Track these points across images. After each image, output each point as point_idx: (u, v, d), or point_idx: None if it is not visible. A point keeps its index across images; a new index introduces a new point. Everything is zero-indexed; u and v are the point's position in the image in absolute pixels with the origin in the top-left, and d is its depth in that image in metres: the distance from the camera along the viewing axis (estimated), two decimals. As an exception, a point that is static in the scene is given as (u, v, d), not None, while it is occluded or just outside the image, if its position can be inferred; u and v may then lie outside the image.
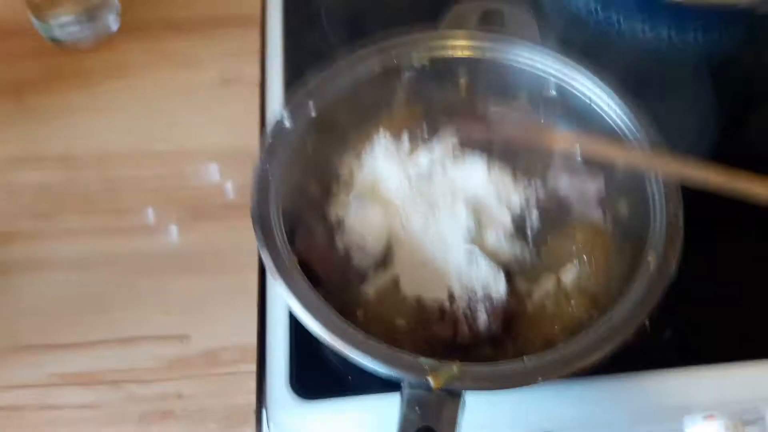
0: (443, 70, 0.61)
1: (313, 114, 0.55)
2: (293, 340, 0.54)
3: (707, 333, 0.55)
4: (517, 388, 0.45)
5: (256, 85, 0.69)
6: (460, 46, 0.61)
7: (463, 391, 0.43)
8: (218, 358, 0.53)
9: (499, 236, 0.53)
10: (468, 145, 0.57)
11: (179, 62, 0.70)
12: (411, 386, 0.44)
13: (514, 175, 0.57)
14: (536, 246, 0.54)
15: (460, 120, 0.56)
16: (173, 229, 0.59)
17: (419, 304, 0.51)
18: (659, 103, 0.57)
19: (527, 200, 0.55)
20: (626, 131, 0.55)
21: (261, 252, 0.48)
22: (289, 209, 0.51)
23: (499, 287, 0.51)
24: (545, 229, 0.55)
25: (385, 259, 0.53)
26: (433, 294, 0.51)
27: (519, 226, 0.55)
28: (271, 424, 0.51)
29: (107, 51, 0.70)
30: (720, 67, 0.71)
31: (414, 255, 0.53)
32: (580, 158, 0.56)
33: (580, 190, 0.56)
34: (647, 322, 0.46)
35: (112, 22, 0.71)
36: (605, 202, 0.56)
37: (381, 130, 0.58)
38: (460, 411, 0.43)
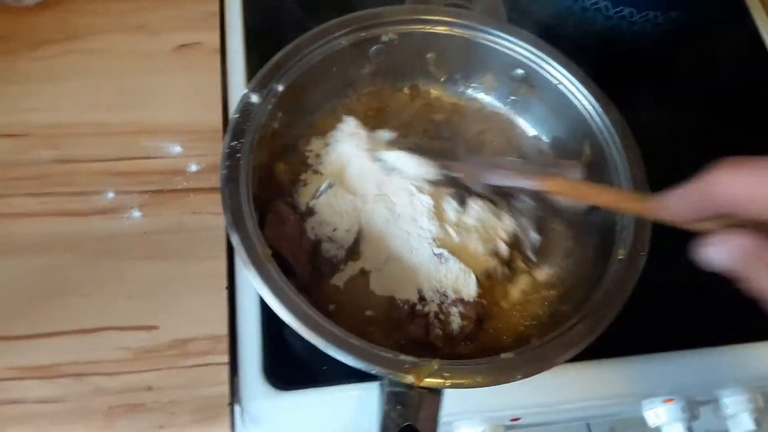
0: (411, 44, 0.59)
1: (281, 88, 0.53)
2: (265, 329, 0.53)
3: (663, 322, 0.56)
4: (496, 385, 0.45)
5: (216, 51, 0.65)
6: (429, 20, 0.59)
7: (443, 388, 0.44)
8: (188, 349, 0.51)
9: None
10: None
11: (132, 25, 0.65)
12: (391, 384, 0.44)
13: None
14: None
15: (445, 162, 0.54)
16: (135, 211, 0.56)
17: (390, 304, 0.51)
18: (622, 83, 0.58)
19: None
20: (592, 114, 0.56)
21: (234, 244, 0.46)
22: (259, 195, 0.49)
23: (470, 289, 0.51)
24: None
25: (354, 250, 0.52)
26: (404, 295, 0.50)
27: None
28: (245, 416, 0.50)
29: (53, 10, 0.65)
30: (678, 46, 0.72)
31: (380, 251, 0.52)
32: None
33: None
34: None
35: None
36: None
37: (346, 111, 0.57)
38: (439, 407, 0.44)
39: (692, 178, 0.34)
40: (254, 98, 0.52)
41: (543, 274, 0.54)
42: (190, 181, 0.57)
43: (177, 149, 0.59)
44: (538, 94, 0.60)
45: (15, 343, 0.50)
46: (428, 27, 0.59)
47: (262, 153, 0.51)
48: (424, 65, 0.61)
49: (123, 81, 0.62)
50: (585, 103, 0.57)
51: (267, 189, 0.52)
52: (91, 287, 0.53)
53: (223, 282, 0.54)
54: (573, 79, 0.57)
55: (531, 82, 0.60)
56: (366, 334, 0.47)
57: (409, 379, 0.43)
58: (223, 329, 0.52)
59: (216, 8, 0.67)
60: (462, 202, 0.54)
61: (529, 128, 0.62)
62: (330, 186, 0.53)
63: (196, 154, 0.59)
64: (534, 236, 0.55)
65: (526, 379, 0.44)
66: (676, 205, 0.36)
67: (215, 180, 0.52)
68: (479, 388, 0.44)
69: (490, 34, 0.59)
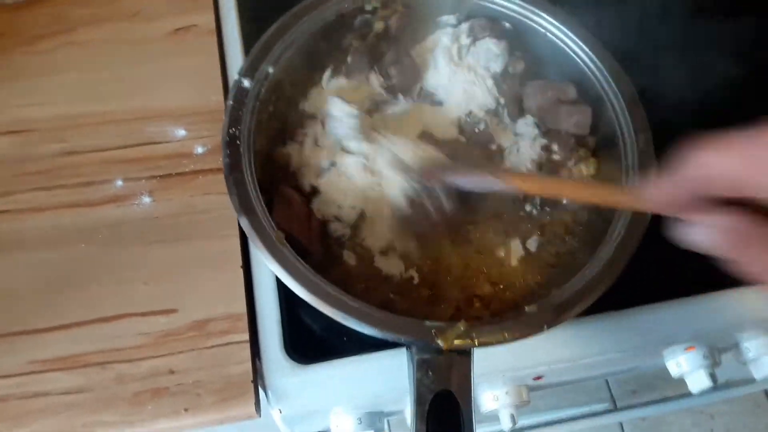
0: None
1: (271, 70, 0.53)
2: (283, 305, 0.53)
3: (678, 268, 0.55)
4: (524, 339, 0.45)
5: (212, 32, 0.64)
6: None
7: (473, 348, 0.44)
8: (208, 330, 0.51)
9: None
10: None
11: (126, 13, 0.64)
12: (419, 350, 0.44)
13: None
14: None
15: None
16: (144, 197, 0.56)
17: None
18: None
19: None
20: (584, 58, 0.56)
21: (246, 231, 0.46)
22: (262, 180, 0.49)
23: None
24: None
25: (358, 227, 0.52)
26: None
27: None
28: (269, 392, 0.50)
29: (45, 4, 0.64)
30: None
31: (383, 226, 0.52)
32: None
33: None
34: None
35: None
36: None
37: (337, 89, 0.57)
38: (471, 369, 0.44)
39: (667, 163, 0.32)
40: (246, 83, 0.52)
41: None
42: (197, 163, 0.57)
43: (181, 132, 0.59)
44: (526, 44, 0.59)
45: (35, 336, 0.50)
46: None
47: (261, 138, 0.51)
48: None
49: (122, 69, 0.61)
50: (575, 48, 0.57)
51: (269, 173, 0.52)
52: (107, 276, 0.53)
53: (238, 260, 0.54)
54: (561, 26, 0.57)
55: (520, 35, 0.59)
56: (388, 303, 0.48)
57: (438, 342, 0.43)
58: (242, 307, 0.52)
59: (208, -12, 0.67)
60: None
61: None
62: (332, 165, 0.53)
63: (200, 136, 0.59)
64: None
65: (549, 333, 0.44)
66: (658, 194, 0.34)
67: (222, 160, 0.52)
68: (502, 347, 0.44)
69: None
